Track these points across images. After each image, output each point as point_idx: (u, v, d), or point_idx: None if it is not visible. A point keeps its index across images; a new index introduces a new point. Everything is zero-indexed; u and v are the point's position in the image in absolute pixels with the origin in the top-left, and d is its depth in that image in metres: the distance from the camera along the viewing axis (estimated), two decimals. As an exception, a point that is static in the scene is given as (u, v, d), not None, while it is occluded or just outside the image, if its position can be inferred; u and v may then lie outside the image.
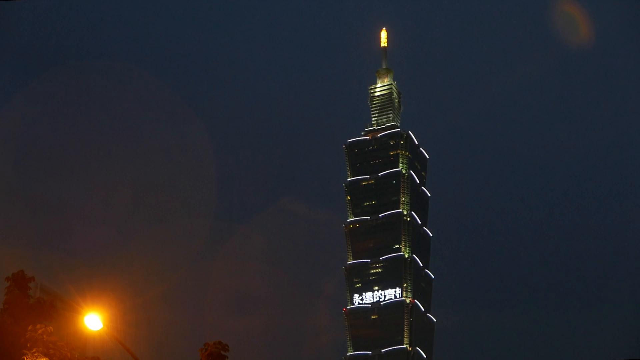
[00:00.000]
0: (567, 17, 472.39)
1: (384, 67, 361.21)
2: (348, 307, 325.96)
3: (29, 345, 41.14)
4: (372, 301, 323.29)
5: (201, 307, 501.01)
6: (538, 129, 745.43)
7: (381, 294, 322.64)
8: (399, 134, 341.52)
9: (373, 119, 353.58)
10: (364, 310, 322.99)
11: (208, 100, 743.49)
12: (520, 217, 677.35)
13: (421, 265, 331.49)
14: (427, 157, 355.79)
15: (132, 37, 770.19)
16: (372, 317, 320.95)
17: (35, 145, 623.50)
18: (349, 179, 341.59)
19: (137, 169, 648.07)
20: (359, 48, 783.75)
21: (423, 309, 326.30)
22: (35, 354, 40.66)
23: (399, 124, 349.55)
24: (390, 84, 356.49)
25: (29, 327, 41.67)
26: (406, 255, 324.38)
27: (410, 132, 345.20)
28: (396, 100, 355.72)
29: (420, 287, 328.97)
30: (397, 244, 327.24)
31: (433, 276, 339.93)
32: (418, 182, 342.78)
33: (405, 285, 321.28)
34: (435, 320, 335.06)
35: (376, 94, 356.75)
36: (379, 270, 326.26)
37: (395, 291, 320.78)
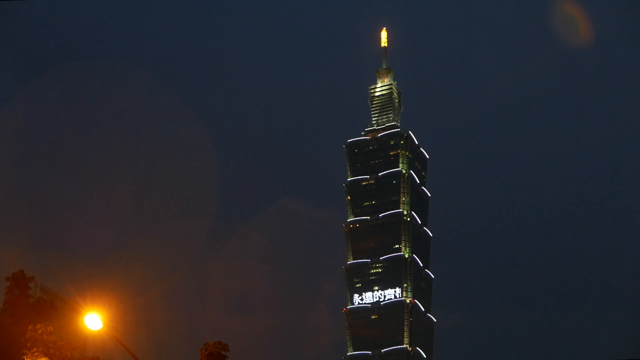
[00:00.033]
0: (567, 17, 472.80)
1: (384, 67, 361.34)
2: (348, 307, 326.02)
3: (29, 345, 41.14)
4: (372, 301, 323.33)
5: (201, 307, 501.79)
6: (538, 129, 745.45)
7: (381, 294, 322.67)
8: (399, 134, 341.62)
9: (373, 119, 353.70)
10: (364, 310, 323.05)
11: (208, 100, 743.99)
12: (520, 217, 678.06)
13: (421, 265, 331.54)
14: (427, 157, 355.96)
15: (132, 37, 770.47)
16: (372, 317, 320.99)
17: (35, 145, 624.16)
18: (349, 179, 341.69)
19: (137, 169, 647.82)
20: (359, 48, 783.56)
21: (423, 309, 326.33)
22: (35, 353, 40.65)
23: (399, 124, 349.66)
24: (391, 84, 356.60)
25: (29, 327, 41.65)
26: (406, 255, 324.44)
27: (410, 132, 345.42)
28: (396, 100, 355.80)
29: (420, 287, 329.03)
30: (397, 244, 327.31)
31: (433, 276, 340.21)
32: (418, 182, 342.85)
33: (405, 285, 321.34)
34: (435, 320, 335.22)
35: (376, 94, 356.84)
36: (379, 270, 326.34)
37: (395, 291, 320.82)
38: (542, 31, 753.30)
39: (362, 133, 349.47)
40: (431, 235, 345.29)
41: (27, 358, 40.59)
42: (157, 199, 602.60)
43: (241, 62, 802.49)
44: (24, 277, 44.22)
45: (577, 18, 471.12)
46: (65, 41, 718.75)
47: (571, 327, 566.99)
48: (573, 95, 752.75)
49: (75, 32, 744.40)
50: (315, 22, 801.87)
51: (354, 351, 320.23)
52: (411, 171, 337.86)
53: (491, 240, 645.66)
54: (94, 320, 38.32)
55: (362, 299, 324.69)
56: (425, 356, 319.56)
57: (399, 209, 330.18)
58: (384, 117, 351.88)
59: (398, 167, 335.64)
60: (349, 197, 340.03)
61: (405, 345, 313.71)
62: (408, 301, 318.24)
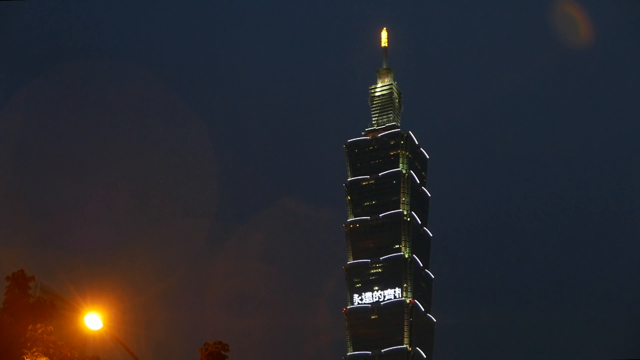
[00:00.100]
0: (567, 17, 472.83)
1: (385, 67, 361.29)
2: (348, 307, 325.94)
3: (29, 344, 41.11)
4: (372, 301, 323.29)
5: (201, 307, 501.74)
6: (538, 128, 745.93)
7: (381, 294, 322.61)
8: (399, 134, 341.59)
9: (373, 119, 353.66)
10: (364, 310, 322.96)
11: (208, 100, 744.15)
12: (520, 217, 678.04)
13: (421, 265, 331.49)
14: (427, 157, 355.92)
15: (132, 37, 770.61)
16: (372, 317, 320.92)
17: (35, 145, 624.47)
18: (349, 179, 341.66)
19: (137, 168, 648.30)
20: (359, 48, 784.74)
21: (423, 309, 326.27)
22: (35, 353, 40.62)
23: (399, 124, 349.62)
24: (391, 84, 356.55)
25: (29, 327, 41.61)
26: (406, 255, 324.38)
27: (410, 132, 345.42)
28: (396, 100, 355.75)
29: (420, 287, 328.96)
30: (397, 244, 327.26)
31: (433, 276, 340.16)
32: (418, 182, 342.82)
33: (405, 285, 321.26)
34: (435, 320, 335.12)
35: (376, 94, 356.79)
36: (379, 270, 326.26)
37: (395, 291, 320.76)
38: (542, 31, 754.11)
39: (362, 133, 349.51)
40: (431, 235, 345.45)
41: (27, 358, 40.56)
42: (157, 199, 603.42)
43: (241, 62, 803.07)
44: (24, 277, 44.16)
45: (577, 18, 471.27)
46: (65, 41, 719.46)
47: (571, 327, 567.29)
48: (573, 95, 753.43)
49: (75, 32, 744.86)
50: (315, 22, 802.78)
51: (354, 351, 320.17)
52: (411, 171, 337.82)
53: (491, 240, 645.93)
54: (94, 320, 38.28)
55: (362, 299, 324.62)
56: (425, 356, 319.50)
57: (399, 209, 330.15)
58: (384, 117, 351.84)
59: (398, 167, 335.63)
60: (349, 197, 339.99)
61: (405, 345, 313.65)
62: (408, 301, 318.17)
